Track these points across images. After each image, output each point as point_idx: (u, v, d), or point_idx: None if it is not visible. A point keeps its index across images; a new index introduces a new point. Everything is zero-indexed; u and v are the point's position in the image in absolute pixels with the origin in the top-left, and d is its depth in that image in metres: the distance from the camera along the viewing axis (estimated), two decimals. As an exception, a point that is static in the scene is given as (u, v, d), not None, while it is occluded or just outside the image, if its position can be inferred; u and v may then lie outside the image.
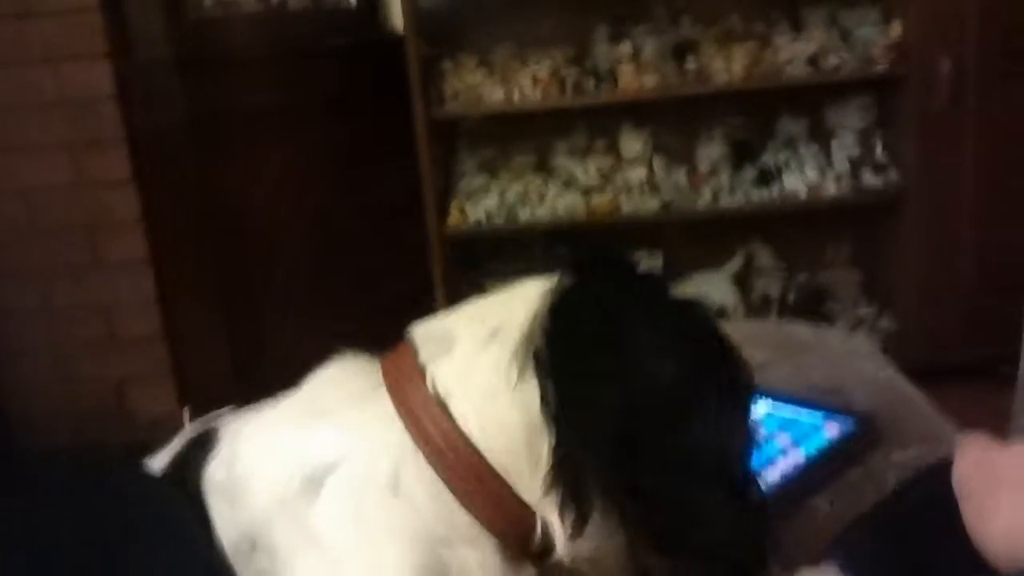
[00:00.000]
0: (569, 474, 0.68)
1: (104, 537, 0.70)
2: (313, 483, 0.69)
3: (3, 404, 2.61)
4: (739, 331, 1.40)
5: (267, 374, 0.78)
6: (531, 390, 0.68)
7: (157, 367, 2.68)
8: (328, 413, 0.74)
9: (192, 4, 2.73)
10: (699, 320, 0.75)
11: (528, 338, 0.70)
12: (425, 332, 0.75)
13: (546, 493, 0.68)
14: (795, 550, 0.81)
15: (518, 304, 0.73)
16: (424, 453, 0.69)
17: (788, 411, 1.10)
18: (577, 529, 0.68)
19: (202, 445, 0.76)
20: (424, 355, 0.73)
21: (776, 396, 1.14)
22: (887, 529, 0.69)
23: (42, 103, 2.50)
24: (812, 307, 2.82)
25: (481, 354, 0.71)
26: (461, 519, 0.69)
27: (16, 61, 2.47)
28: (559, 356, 0.69)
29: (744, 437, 0.74)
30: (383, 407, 0.71)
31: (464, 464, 0.69)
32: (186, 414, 2.61)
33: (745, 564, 0.73)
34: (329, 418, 0.73)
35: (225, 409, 0.82)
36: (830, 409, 1.09)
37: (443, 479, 0.69)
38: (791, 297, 2.88)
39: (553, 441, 0.68)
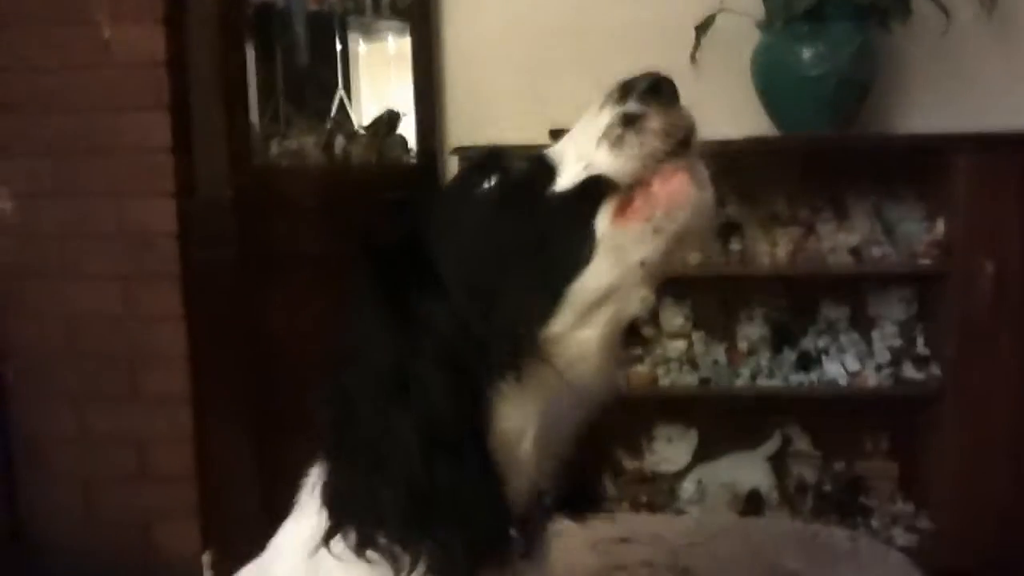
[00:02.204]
0: None
1: None
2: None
3: (29, 530, 2.58)
4: (776, 529, 1.39)
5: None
6: None
7: (184, 506, 2.64)
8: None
9: (258, 151, 2.83)
10: None
11: None
12: None
13: None
14: None
15: None
16: None
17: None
18: None
19: None
20: None
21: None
22: None
23: (101, 234, 2.57)
24: (848, 498, 2.75)
25: None
26: None
27: (81, 192, 2.56)
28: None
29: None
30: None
31: None
32: (206, 558, 2.56)
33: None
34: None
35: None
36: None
37: None
38: (827, 486, 2.81)
39: None
